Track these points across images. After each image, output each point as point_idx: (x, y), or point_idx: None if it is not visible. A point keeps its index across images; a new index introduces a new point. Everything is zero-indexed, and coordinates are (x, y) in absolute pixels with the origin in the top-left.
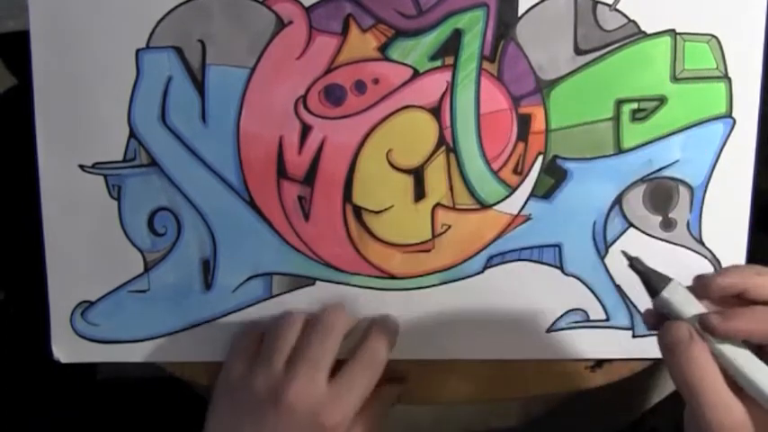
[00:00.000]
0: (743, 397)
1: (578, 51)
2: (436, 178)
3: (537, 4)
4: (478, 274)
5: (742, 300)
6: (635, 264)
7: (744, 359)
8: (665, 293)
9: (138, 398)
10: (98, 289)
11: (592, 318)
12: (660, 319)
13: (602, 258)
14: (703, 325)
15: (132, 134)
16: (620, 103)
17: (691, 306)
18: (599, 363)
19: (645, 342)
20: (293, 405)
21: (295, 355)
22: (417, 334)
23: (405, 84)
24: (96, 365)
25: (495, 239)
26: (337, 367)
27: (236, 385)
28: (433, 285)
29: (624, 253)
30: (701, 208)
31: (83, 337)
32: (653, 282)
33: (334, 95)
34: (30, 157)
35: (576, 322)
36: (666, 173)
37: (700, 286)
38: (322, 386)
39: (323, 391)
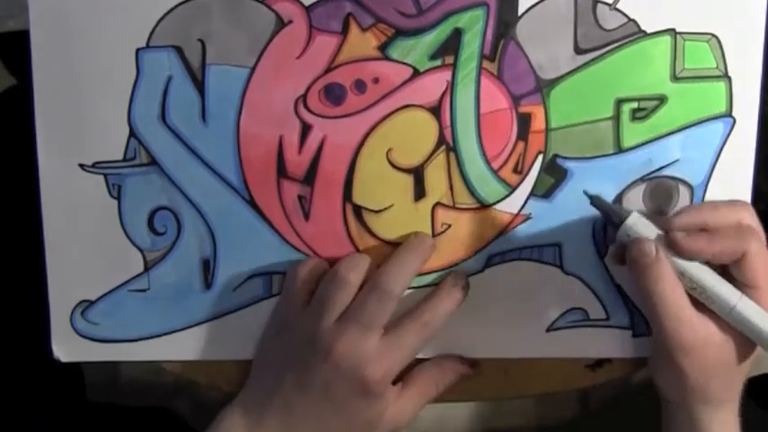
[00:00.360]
0: (705, 316)
1: (578, 50)
2: (436, 177)
3: (537, 3)
4: (478, 273)
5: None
6: (595, 200)
7: (705, 274)
8: (629, 221)
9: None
10: (98, 288)
11: (592, 317)
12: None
13: (602, 258)
14: (669, 242)
15: (132, 133)
16: (620, 102)
17: (653, 233)
18: (599, 362)
19: (645, 341)
20: (339, 362)
21: (348, 314)
22: None
23: (405, 83)
24: (85, 388)
25: (495, 239)
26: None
27: (286, 328)
28: (433, 284)
29: (585, 192)
30: None
31: (83, 337)
32: (615, 214)
33: (334, 95)
34: (30, 157)
35: (576, 321)
36: (666, 172)
37: (662, 228)
38: (372, 344)
39: (372, 349)
